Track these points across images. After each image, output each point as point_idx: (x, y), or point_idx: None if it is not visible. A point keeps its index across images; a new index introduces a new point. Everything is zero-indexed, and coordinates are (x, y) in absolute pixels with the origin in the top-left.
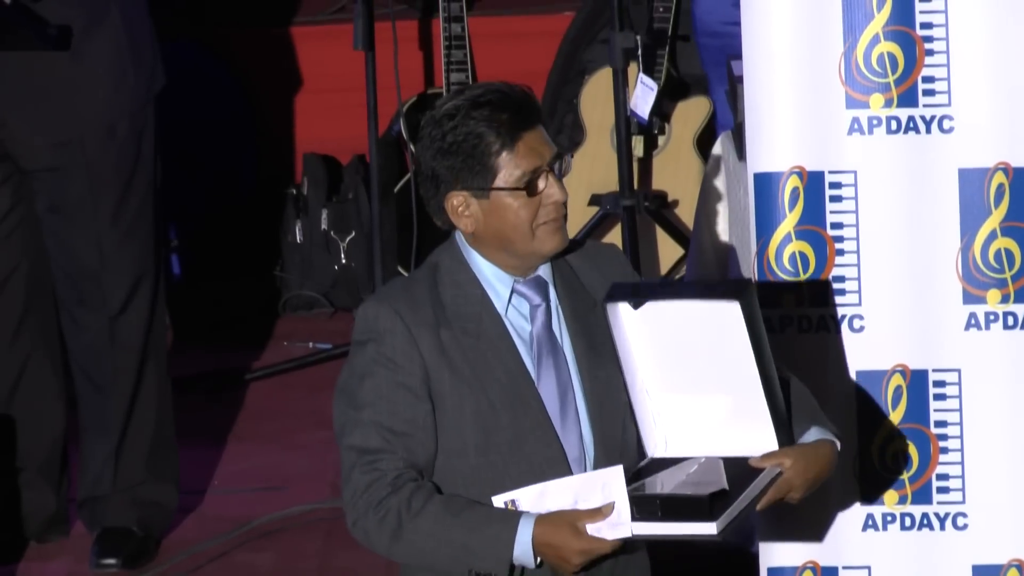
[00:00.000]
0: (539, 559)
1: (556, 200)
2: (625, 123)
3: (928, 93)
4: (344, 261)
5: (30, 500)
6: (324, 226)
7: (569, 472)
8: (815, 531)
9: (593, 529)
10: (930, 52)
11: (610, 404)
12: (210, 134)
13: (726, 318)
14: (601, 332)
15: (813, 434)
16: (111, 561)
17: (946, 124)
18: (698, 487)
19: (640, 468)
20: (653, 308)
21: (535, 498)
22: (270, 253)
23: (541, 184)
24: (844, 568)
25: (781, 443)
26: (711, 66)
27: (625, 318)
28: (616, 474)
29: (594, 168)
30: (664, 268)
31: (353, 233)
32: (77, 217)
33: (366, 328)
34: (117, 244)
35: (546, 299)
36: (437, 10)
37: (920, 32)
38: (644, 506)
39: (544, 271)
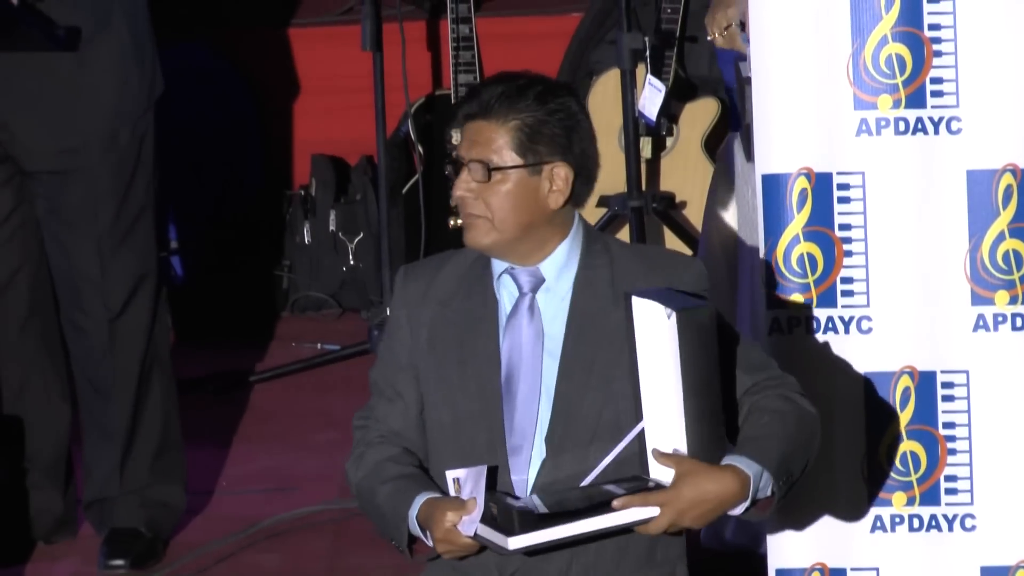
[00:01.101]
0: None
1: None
2: (633, 124)
3: (936, 94)
4: (352, 262)
5: (37, 501)
6: (332, 227)
7: (499, 460)
8: (823, 532)
9: (454, 520)
10: (938, 53)
11: (578, 411)
12: (217, 135)
13: (666, 329)
14: (607, 340)
15: (729, 459)
16: (119, 562)
17: (954, 125)
18: (557, 505)
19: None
20: (641, 307)
21: (475, 479)
22: (274, 253)
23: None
24: (852, 570)
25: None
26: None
27: (635, 319)
28: (480, 473)
29: (602, 169)
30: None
31: (361, 234)
32: (77, 221)
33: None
34: (116, 248)
35: (532, 291)
36: (445, 11)
37: (928, 33)
38: (490, 512)
39: (567, 266)
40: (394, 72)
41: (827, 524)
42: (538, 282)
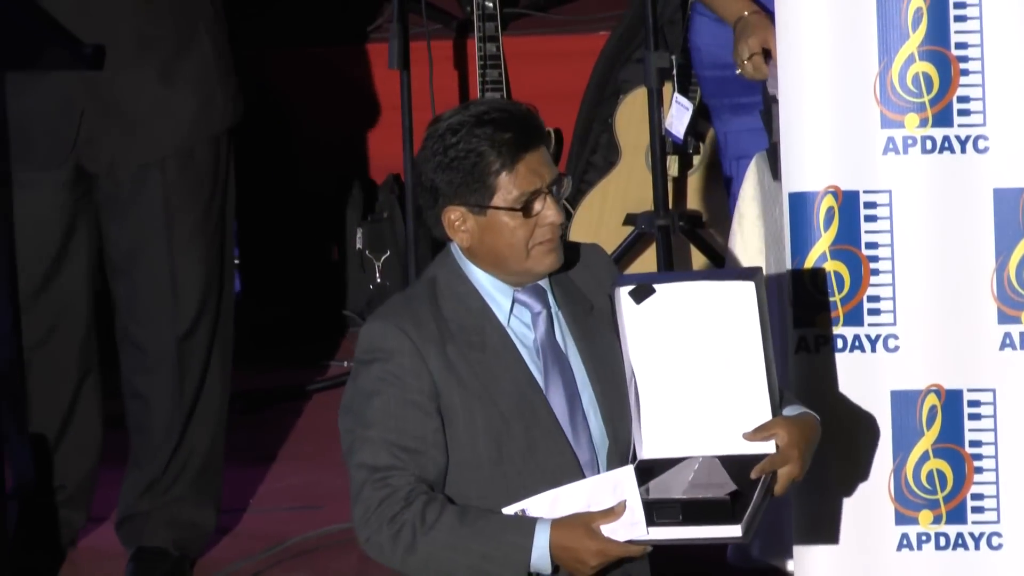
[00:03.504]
0: (555, 565)
1: (552, 222)
2: (660, 142)
3: (963, 113)
4: (379, 280)
5: (66, 517)
6: (359, 245)
7: (583, 477)
8: (850, 550)
9: (608, 530)
10: (965, 72)
11: (619, 405)
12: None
13: (740, 299)
14: (601, 334)
15: (791, 410)
16: None
17: (981, 144)
18: (709, 489)
19: (639, 469)
20: (662, 293)
21: (546, 506)
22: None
23: (538, 206)
24: None
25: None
26: (716, 97)
27: (631, 307)
28: (627, 474)
29: (629, 187)
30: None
31: (388, 252)
32: (151, 238)
33: (371, 347)
34: (189, 267)
35: (546, 305)
36: (472, 30)
37: (955, 52)
38: (664, 510)
39: (545, 281)
40: (421, 90)
41: (854, 542)
42: (542, 296)
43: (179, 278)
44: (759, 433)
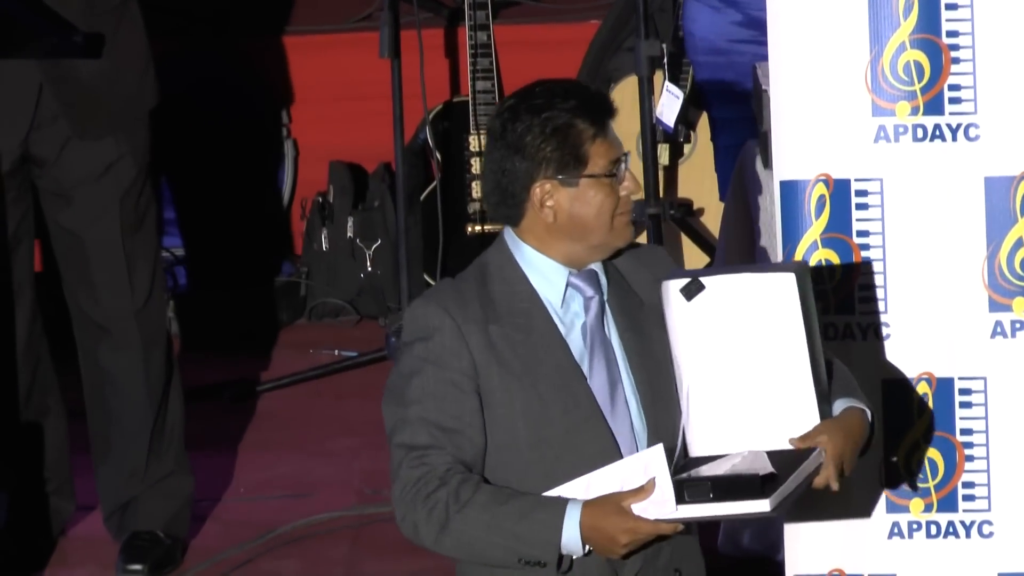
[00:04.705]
0: (587, 546)
1: (632, 192)
2: (651, 131)
3: (954, 101)
4: (370, 269)
5: (55, 506)
6: (350, 234)
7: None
8: (841, 539)
9: (638, 509)
10: (956, 60)
11: (661, 397)
12: (233, 142)
13: (779, 291)
14: (648, 329)
15: (840, 405)
16: (137, 567)
17: (972, 132)
18: (746, 471)
19: (681, 464)
20: (708, 286)
21: (581, 492)
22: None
23: (622, 173)
24: None
25: (823, 419)
26: (711, 83)
27: (679, 301)
28: (656, 453)
29: None
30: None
31: (379, 241)
32: (102, 216)
33: (415, 328)
34: (136, 242)
35: (598, 291)
36: (463, 18)
37: (946, 40)
38: (695, 488)
39: (596, 265)
40: (412, 79)
41: (844, 530)
42: (595, 282)
43: (130, 253)
44: (805, 441)
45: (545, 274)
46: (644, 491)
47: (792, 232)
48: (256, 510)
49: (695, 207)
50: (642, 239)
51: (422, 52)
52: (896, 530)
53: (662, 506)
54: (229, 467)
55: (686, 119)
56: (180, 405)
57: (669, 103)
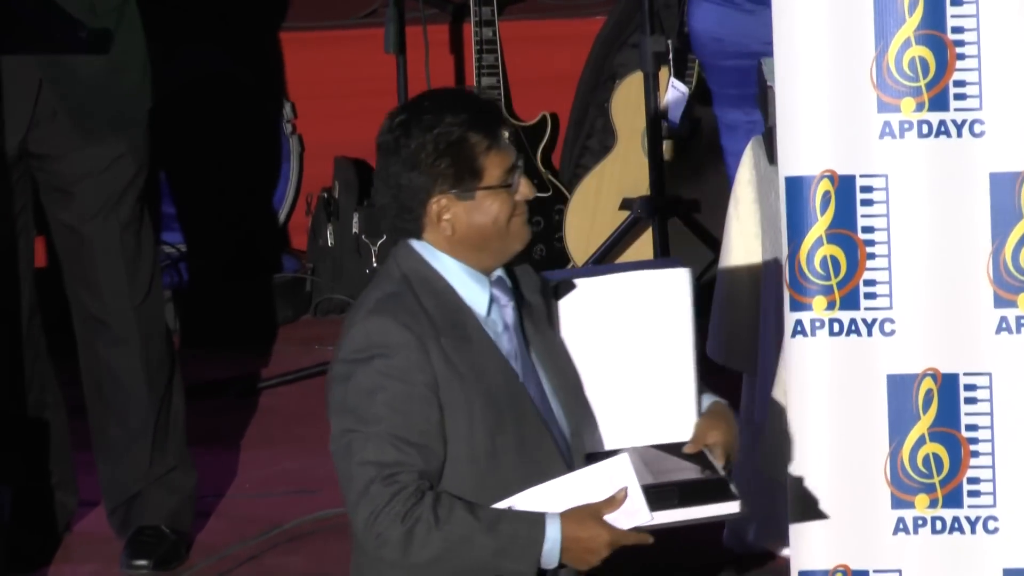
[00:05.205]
0: (561, 558)
1: (526, 196)
2: (656, 127)
3: (959, 97)
4: (375, 265)
5: (60, 501)
6: (355, 230)
7: (565, 468)
8: (846, 534)
9: (611, 519)
10: (961, 56)
11: (577, 396)
12: (238, 139)
13: (673, 287)
14: (547, 330)
15: (705, 400)
16: (143, 562)
17: (977, 128)
18: (683, 473)
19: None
20: (584, 287)
21: (533, 500)
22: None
23: (516, 180)
24: (875, 572)
25: (697, 414)
26: (741, 87)
27: (565, 302)
28: (623, 463)
29: (625, 172)
30: (695, 272)
31: (384, 237)
32: (102, 212)
33: (370, 344)
34: (135, 237)
35: (511, 299)
36: (468, 14)
37: (951, 36)
38: (661, 495)
39: (501, 272)
40: (417, 75)
41: (850, 526)
42: (508, 290)
43: (129, 247)
44: (698, 443)
45: (469, 283)
46: (616, 501)
47: (797, 228)
48: (261, 506)
49: (700, 203)
50: (646, 236)
51: (427, 48)
52: (901, 526)
53: (634, 515)
54: (234, 463)
55: (691, 115)
56: (181, 401)
57: (674, 99)
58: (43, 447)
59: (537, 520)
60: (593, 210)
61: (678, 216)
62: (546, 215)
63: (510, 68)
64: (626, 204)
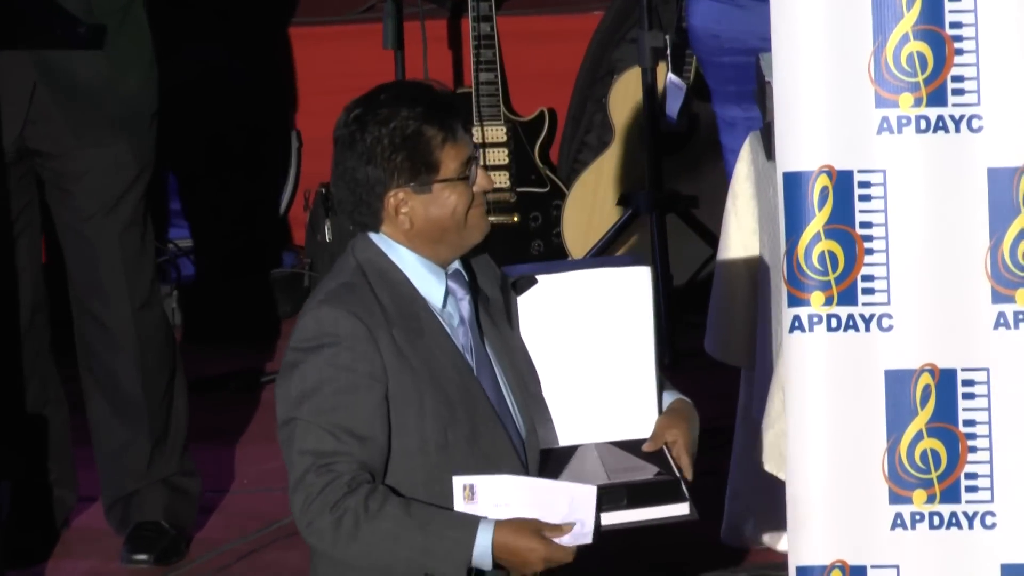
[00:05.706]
0: (494, 563)
1: (484, 187)
2: (654, 123)
3: (957, 92)
4: None
5: (59, 497)
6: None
7: (519, 463)
8: (843, 530)
9: (552, 535)
10: (959, 51)
11: (532, 391)
12: (238, 135)
13: (633, 284)
14: (503, 324)
15: (667, 397)
16: (142, 557)
17: (975, 123)
18: (635, 473)
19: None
20: (546, 283)
21: (494, 488)
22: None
23: (474, 172)
24: (872, 567)
25: (659, 412)
26: (739, 83)
27: (520, 299)
28: (588, 493)
29: (623, 167)
30: (692, 267)
31: None
32: (102, 213)
33: (319, 333)
34: (137, 239)
35: (468, 292)
36: (466, 9)
37: (950, 31)
38: (610, 496)
39: (458, 264)
40: (415, 70)
41: (847, 521)
42: (464, 283)
43: (129, 251)
44: (657, 441)
45: (425, 276)
46: (562, 531)
47: (795, 223)
48: (260, 501)
49: (698, 198)
50: (644, 231)
51: (425, 43)
52: (899, 521)
53: (578, 537)
54: (233, 458)
55: (689, 110)
56: (184, 404)
57: (672, 94)
58: (43, 443)
59: (470, 523)
60: (591, 205)
61: (676, 211)
62: (544, 211)
63: (508, 63)
64: (624, 199)
